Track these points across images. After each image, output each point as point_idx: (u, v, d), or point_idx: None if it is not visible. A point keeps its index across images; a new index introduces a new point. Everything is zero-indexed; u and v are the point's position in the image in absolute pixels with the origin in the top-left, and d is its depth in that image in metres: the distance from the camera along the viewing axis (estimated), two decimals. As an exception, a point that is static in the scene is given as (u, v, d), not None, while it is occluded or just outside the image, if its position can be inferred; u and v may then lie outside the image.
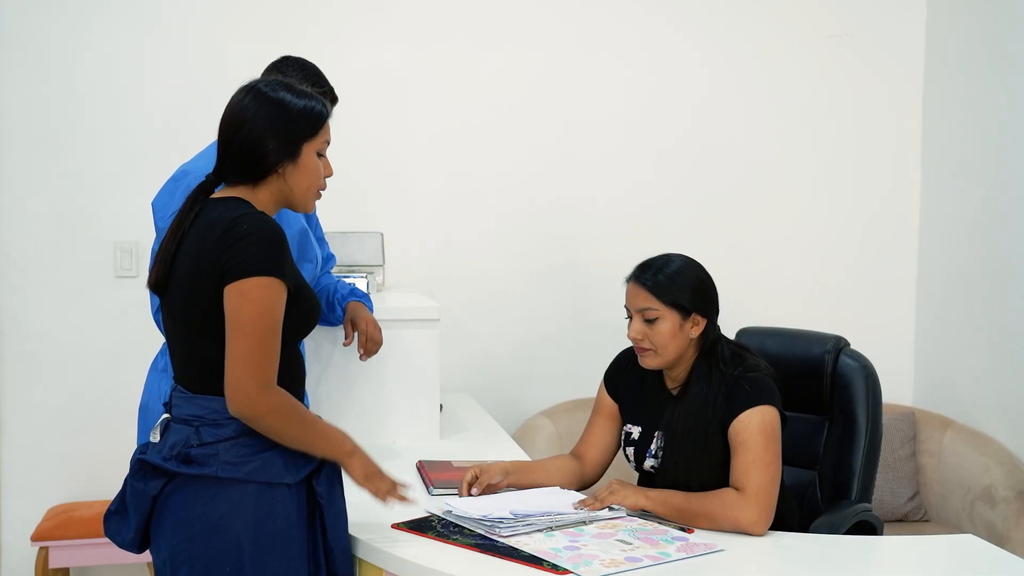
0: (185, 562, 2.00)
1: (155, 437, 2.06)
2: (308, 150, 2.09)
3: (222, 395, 1.98)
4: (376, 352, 2.85)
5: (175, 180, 2.64)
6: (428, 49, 3.99)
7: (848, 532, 2.56)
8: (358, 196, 3.92)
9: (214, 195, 2.08)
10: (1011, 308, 3.80)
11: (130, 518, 2.06)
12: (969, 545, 2.27)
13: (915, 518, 3.91)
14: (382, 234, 3.60)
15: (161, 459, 2.00)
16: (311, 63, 2.76)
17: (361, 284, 3.21)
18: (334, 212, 3.83)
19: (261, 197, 2.07)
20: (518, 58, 4.06)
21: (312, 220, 2.95)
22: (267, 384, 1.97)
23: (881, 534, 2.65)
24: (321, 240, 2.97)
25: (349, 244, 3.50)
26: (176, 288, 2.04)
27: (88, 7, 3.75)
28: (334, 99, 2.76)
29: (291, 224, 2.72)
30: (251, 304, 1.95)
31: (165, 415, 2.07)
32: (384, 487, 2.10)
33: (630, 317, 2.44)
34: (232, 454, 1.99)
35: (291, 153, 2.06)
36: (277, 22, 3.86)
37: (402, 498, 2.12)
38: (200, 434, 2.00)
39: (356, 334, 2.84)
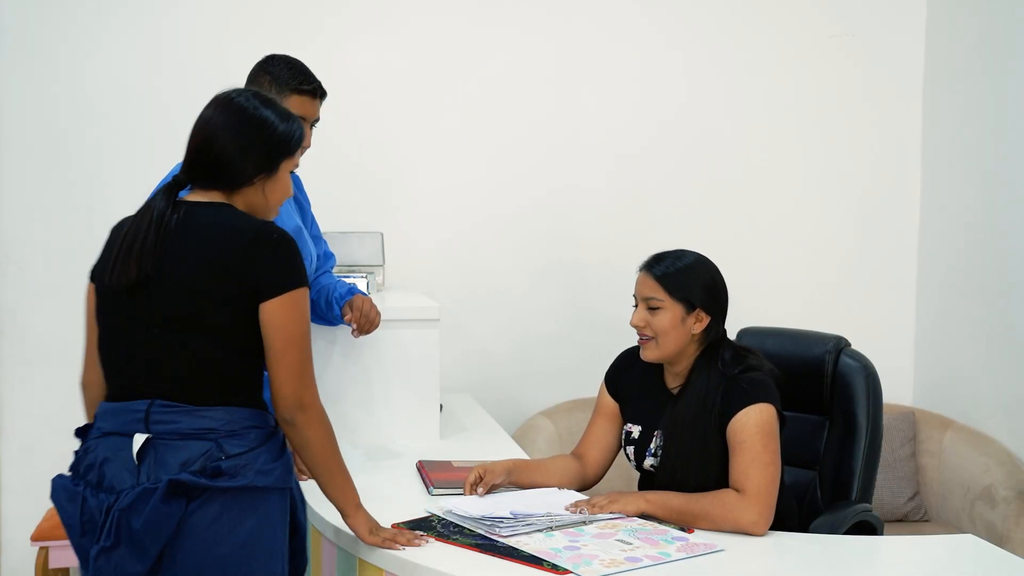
0: None
1: (134, 459, 1.93)
2: (285, 166, 2.08)
3: (238, 405, 1.98)
4: (369, 331, 2.81)
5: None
6: (427, 50, 3.99)
7: (848, 532, 2.57)
8: (358, 196, 3.92)
9: (193, 198, 2.04)
10: (1011, 308, 3.80)
11: (144, 548, 1.90)
12: (969, 545, 2.27)
13: (915, 518, 3.91)
14: (382, 234, 3.60)
15: (191, 476, 1.90)
16: (297, 60, 2.75)
17: (361, 284, 3.22)
18: (334, 212, 3.84)
19: (239, 203, 2.05)
20: (518, 58, 4.05)
21: (307, 218, 2.95)
22: (316, 393, 2.01)
23: (881, 534, 2.65)
24: (317, 238, 2.97)
25: (349, 244, 3.50)
26: (175, 294, 1.95)
27: (91, 10, 3.75)
28: (323, 95, 2.75)
29: (285, 223, 2.71)
30: (298, 316, 1.97)
31: (145, 435, 1.94)
32: (388, 535, 2.12)
33: (636, 305, 2.46)
34: (262, 462, 1.97)
35: (270, 169, 2.05)
36: (278, 24, 3.85)
37: (408, 542, 2.12)
38: (222, 447, 1.94)
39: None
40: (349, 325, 2.81)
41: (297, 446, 2.03)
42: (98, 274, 2.06)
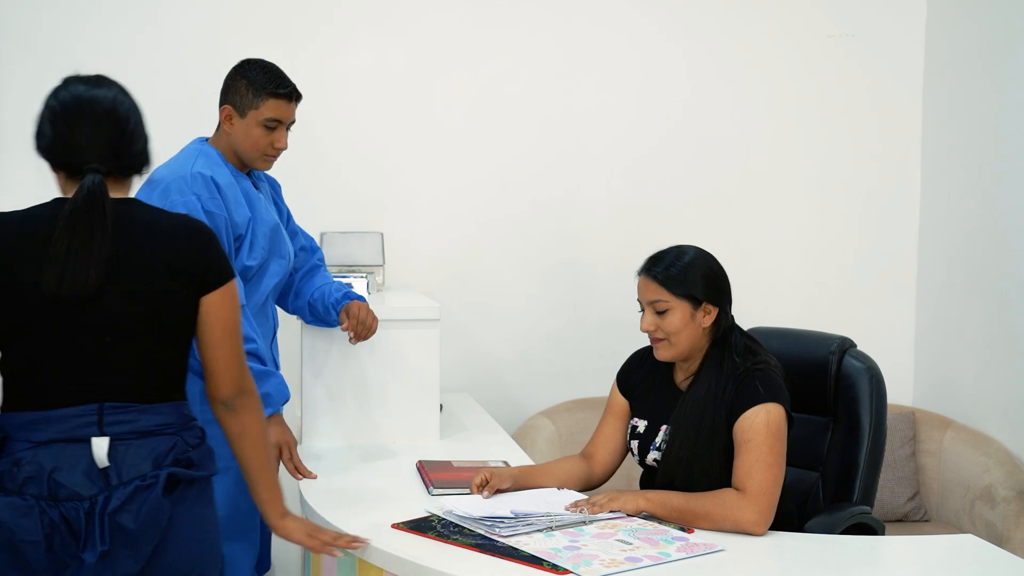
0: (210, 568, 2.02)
1: (103, 463, 1.89)
2: None
3: (177, 399, 2.01)
4: (367, 337, 2.83)
5: (150, 185, 2.62)
6: (428, 50, 3.99)
7: (850, 533, 2.56)
8: (358, 196, 3.92)
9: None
10: (1011, 308, 3.79)
11: (139, 547, 1.90)
12: (969, 545, 2.27)
13: (915, 518, 3.90)
14: (382, 234, 3.60)
15: (181, 468, 1.94)
16: (273, 64, 2.75)
17: (361, 284, 3.21)
18: (334, 212, 3.85)
19: (130, 192, 2.05)
20: (517, 59, 4.05)
21: (283, 213, 2.95)
22: (253, 380, 2.07)
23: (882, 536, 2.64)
24: (295, 233, 2.97)
25: (349, 244, 3.50)
26: (133, 299, 1.93)
27: (87, 7, 3.74)
28: (298, 97, 2.75)
29: (264, 220, 2.73)
30: (235, 305, 2.03)
31: (104, 437, 1.90)
32: (328, 538, 2.11)
33: (643, 310, 2.46)
34: (211, 450, 2.04)
35: None
36: (276, 22, 3.85)
37: (349, 544, 2.12)
38: (185, 440, 1.98)
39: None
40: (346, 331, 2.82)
41: (235, 434, 2.04)
42: (7, 278, 1.90)
